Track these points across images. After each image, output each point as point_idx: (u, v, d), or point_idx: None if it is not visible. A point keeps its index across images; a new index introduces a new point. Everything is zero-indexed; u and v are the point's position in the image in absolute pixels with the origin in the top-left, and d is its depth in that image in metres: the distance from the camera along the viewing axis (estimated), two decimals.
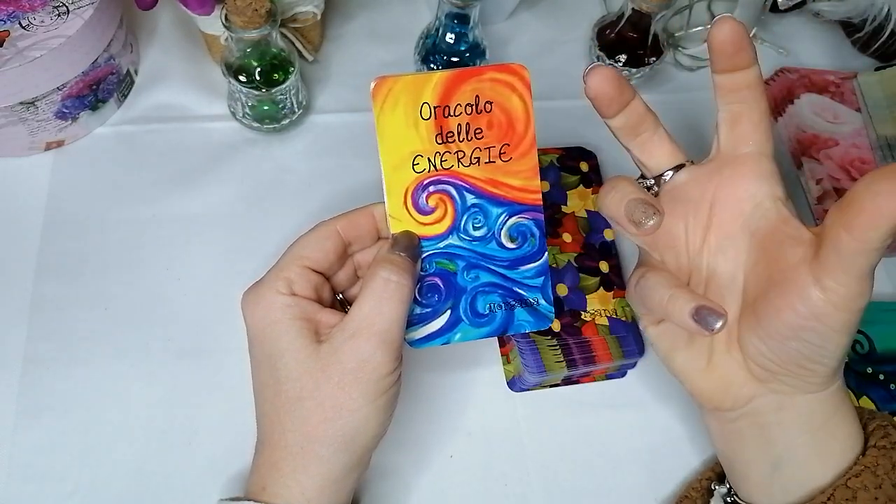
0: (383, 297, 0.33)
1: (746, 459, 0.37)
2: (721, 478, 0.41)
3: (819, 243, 0.31)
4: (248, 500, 0.33)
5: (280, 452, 0.33)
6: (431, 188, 0.36)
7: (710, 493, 0.42)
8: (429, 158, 0.36)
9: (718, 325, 0.31)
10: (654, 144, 0.37)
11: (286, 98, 0.52)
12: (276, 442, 0.33)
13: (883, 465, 0.34)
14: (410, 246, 0.35)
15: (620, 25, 0.56)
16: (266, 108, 0.52)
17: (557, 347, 0.45)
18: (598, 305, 0.47)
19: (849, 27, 0.66)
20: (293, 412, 0.33)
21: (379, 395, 0.33)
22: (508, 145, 0.36)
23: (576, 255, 0.48)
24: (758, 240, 0.35)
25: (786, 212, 0.34)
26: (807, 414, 0.35)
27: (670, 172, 0.36)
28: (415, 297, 0.36)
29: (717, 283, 0.36)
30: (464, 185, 0.36)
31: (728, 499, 0.40)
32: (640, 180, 0.37)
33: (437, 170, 0.36)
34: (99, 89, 0.51)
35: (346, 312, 0.34)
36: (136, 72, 0.56)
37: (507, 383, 0.48)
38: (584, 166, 0.52)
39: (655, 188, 0.37)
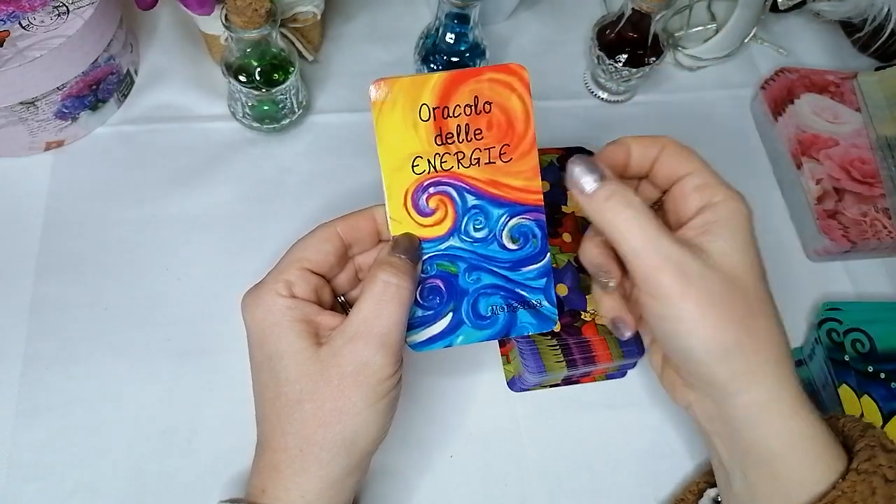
0: (383, 299, 0.33)
1: (714, 467, 0.38)
2: None
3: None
4: (248, 502, 0.33)
5: (280, 455, 0.33)
6: (432, 189, 0.36)
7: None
8: (428, 160, 0.35)
9: (627, 333, 0.38)
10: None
11: (286, 98, 0.52)
12: (276, 444, 0.33)
13: (861, 492, 0.32)
14: (411, 248, 0.35)
15: (620, 25, 0.56)
16: (266, 108, 0.52)
17: (557, 347, 0.45)
18: None
19: (849, 27, 0.66)
20: (293, 415, 0.33)
21: (379, 398, 0.33)
22: (508, 146, 0.36)
23: (576, 255, 0.48)
24: None
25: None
26: (731, 427, 0.34)
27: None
28: (416, 299, 0.35)
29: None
30: (464, 186, 0.36)
31: (719, 500, 0.40)
32: (603, 276, 0.38)
33: (436, 171, 0.36)
34: (99, 89, 0.51)
35: (347, 315, 0.34)
36: (136, 72, 0.56)
37: (507, 383, 0.48)
38: None
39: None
